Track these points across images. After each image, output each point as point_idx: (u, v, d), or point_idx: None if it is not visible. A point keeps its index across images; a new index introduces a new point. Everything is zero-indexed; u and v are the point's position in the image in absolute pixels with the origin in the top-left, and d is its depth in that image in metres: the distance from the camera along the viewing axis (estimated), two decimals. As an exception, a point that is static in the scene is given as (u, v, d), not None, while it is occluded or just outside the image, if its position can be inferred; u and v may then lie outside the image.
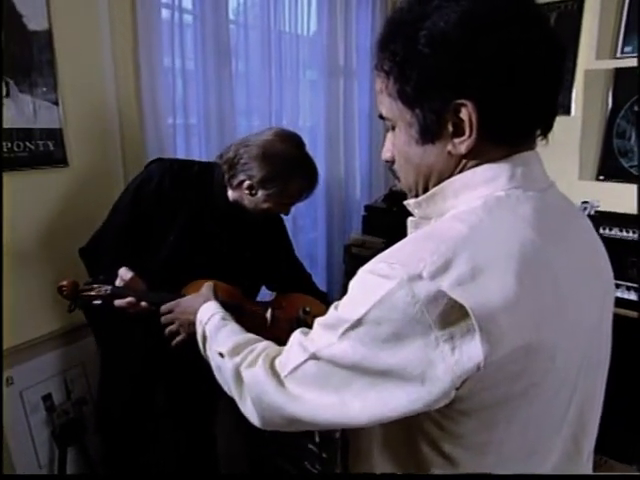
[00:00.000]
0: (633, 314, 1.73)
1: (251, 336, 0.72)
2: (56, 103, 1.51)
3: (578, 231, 0.59)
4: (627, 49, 2.08)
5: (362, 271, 0.50)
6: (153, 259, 1.26)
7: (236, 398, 0.65)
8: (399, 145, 0.58)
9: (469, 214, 0.50)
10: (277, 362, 0.59)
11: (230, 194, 1.27)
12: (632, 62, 2.07)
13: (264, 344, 0.67)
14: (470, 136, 0.50)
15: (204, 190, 1.29)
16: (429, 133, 0.53)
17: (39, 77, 1.46)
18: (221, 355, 0.68)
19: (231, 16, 1.95)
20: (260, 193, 1.22)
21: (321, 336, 0.54)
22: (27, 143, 1.46)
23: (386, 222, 2.31)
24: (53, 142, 1.53)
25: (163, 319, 1.01)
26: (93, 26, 1.57)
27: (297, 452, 1.42)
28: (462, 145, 0.51)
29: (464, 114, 0.49)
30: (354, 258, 2.38)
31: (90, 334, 1.73)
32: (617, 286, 1.84)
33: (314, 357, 0.53)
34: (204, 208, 1.29)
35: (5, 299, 1.36)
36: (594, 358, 0.58)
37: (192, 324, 0.87)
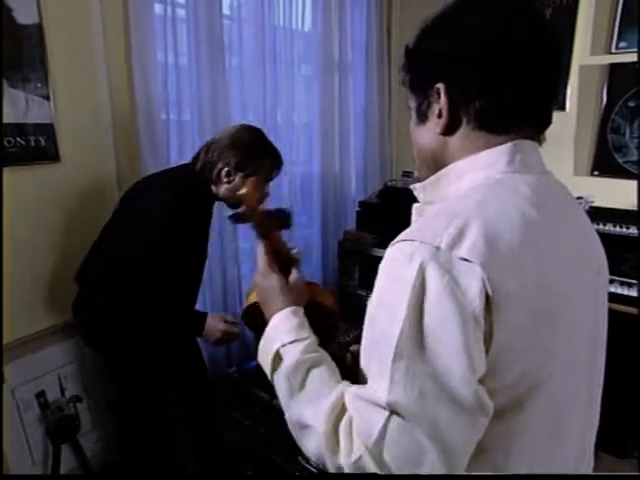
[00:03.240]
0: (628, 309, 1.74)
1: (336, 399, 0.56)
2: (47, 98, 1.50)
3: (572, 213, 0.61)
4: (622, 44, 2.07)
5: (382, 266, 0.52)
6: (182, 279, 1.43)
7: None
8: (410, 129, 0.65)
9: (473, 192, 0.54)
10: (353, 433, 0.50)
11: (214, 189, 1.40)
12: (627, 57, 2.07)
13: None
14: (445, 117, 0.56)
15: (202, 201, 1.43)
16: (421, 114, 0.61)
17: (31, 72, 1.44)
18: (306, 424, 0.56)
19: (225, 11, 1.93)
20: (237, 177, 1.35)
21: (380, 378, 0.49)
22: (18, 139, 1.45)
23: (380, 218, 2.31)
24: (45, 137, 1.51)
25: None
26: (85, 20, 1.56)
27: (291, 448, 1.42)
28: (439, 125, 0.58)
29: (441, 97, 0.56)
30: (348, 254, 2.37)
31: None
32: (611, 281, 1.84)
33: (392, 409, 0.47)
34: (203, 214, 1.46)
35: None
36: (596, 337, 0.61)
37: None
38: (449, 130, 0.57)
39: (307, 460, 1.38)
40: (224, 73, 1.90)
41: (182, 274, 1.41)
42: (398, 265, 0.50)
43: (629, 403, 1.77)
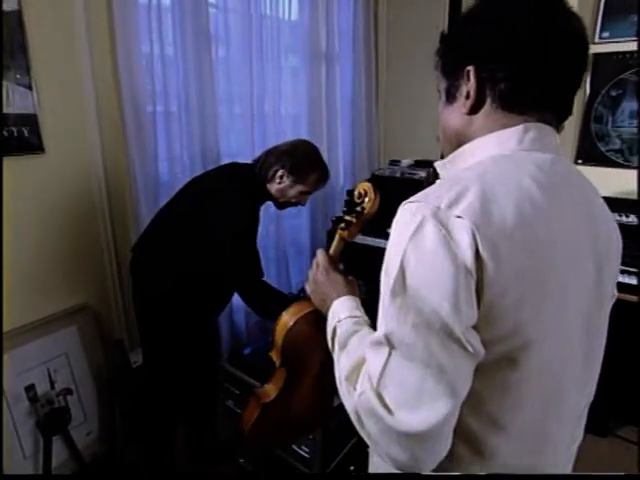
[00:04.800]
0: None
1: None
2: (30, 88, 1.47)
3: (579, 195, 0.64)
4: (605, 35, 2.11)
5: (393, 224, 0.57)
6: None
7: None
8: (439, 110, 0.70)
9: (478, 165, 0.60)
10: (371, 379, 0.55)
11: (268, 187, 1.57)
12: (609, 48, 2.10)
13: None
14: (472, 97, 0.62)
15: (261, 199, 1.60)
16: (450, 95, 0.66)
17: (11, 60, 1.42)
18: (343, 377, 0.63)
19: (211, -1, 1.91)
20: (288, 180, 1.53)
21: (382, 320, 0.56)
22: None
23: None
24: (28, 128, 1.49)
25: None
26: (66, 8, 1.53)
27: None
28: (466, 105, 0.63)
29: (471, 79, 0.62)
30: (338, 244, 2.38)
31: (73, 323, 1.71)
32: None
33: (388, 340, 0.53)
34: (259, 206, 1.59)
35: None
36: (597, 318, 0.64)
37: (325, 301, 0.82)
38: (474, 109, 0.63)
39: (298, 445, 1.40)
40: (210, 63, 1.88)
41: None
42: (403, 221, 0.55)
43: (611, 384, 1.83)
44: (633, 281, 1.83)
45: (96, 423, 1.80)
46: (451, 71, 0.65)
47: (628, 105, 2.12)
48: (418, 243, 0.52)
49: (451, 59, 0.66)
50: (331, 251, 0.92)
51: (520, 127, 0.60)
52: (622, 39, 2.08)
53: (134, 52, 1.64)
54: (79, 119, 1.62)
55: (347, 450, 1.49)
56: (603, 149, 2.22)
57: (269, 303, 1.51)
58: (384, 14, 2.75)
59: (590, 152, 2.24)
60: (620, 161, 2.18)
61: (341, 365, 0.64)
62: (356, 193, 0.92)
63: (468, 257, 0.50)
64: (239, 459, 1.68)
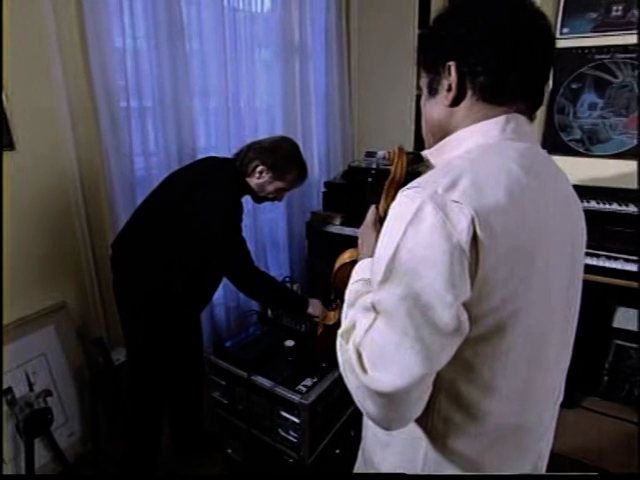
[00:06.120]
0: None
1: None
2: (-2, 84, 1.43)
3: (557, 180, 0.70)
4: (565, 30, 2.21)
5: (390, 210, 0.62)
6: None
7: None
8: (422, 104, 0.75)
9: (468, 153, 0.65)
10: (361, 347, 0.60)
11: (247, 181, 1.59)
12: (570, 43, 2.21)
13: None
14: (454, 90, 0.67)
15: (242, 192, 1.60)
16: (432, 88, 0.71)
17: (-23, 56, 1.37)
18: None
19: (182, -8, 1.88)
20: (267, 176, 1.56)
21: (375, 284, 0.60)
22: (-32, 127, 1.38)
23: (346, 197, 2.36)
24: (-3, 124, 1.45)
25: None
26: (35, 2, 1.48)
27: (270, 421, 1.46)
28: (448, 97, 0.68)
29: (452, 73, 0.66)
30: (317, 234, 2.42)
31: (50, 323, 1.69)
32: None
33: (375, 307, 0.58)
34: (240, 197, 1.57)
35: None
36: (573, 290, 0.71)
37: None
38: (456, 102, 0.68)
39: (286, 430, 1.44)
40: (184, 57, 1.87)
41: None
42: (402, 206, 0.59)
43: (576, 359, 1.95)
44: (594, 262, 1.96)
45: (78, 423, 1.78)
46: (433, 66, 0.69)
47: (587, 97, 2.24)
48: (416, 224, 0.55)
49: (433, 55, 0.70)
50: (380, 208, 0.93)
51: (502, 118, 0.65)
52: (581, 35, 2.19)
53: (106, 46, 1.62)
54: (50, 115, 1.59)
55: (332, 435, 1.54)
56: (565, 139, 2.33)
57: (262, 289, 1.54)
58: (356, 7, 2.78)
59: (553, 142, 2.35)
60: (581, 150, 2.30)
61: (346, 321, 0.69)
62: (386, 154, 0.96)
63: (463, 237, 0.54)
64: (227, 449, 1.70)
